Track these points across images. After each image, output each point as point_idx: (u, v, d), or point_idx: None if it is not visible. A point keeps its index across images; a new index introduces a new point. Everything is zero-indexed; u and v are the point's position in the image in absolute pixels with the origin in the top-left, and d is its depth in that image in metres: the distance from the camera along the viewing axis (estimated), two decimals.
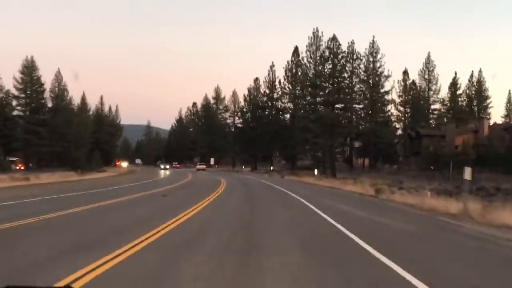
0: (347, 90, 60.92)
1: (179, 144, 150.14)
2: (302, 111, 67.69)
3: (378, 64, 71.44)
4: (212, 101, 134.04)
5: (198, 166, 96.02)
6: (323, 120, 58.18)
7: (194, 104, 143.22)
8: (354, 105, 63.45)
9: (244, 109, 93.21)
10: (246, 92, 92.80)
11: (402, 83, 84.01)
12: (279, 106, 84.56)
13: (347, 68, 64.57)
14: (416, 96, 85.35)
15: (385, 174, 59.89)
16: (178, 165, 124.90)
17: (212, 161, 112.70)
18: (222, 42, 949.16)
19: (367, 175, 57.95)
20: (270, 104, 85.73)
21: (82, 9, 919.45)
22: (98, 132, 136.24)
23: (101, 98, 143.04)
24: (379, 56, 71.35)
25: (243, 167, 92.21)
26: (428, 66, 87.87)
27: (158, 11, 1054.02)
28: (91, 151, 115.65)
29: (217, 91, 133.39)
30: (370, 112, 70.19)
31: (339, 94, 58.61)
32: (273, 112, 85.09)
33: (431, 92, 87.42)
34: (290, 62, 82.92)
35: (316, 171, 53.57)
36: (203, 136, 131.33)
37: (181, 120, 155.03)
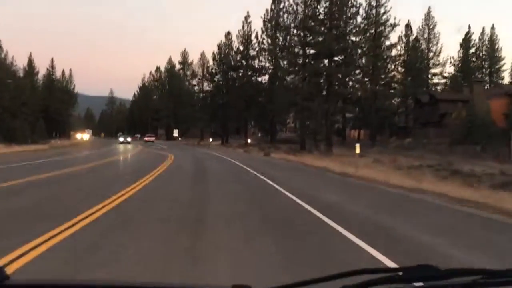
0: (348, 37, 45.38)
1: (142, 114, 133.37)
2: (287, 65, 51.95)
3: (382, 10, 56.27)
4: (178, 66, 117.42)
5: (146, 138, 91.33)
6: (317, 78, 43.20)
7: (158, 68, 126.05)
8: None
9: (213, 70, 76.93)
10: (216, 50, 76.52)
11: (404, 39, 69.37)
12: (256, 66, 68.73)
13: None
14: (419, 56, 70.92)
15: (397, 149, 45.56)
16: (152, 138, 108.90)
17: (175, 133, 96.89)
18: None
19: (374, 151, 43.57)
20: (244, 63, 69.87)
21: None
22: (48, 99, 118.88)
23: (52, 60, 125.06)
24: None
25: (210, 139, 76.61)
26: (428, 23, 73.38)
27: None
28: (37, 120, 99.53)
29: (184, 55, 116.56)
30: (371, 71, 55.11)
31: (339, 42, 43.33)
32: (248, 73, 69.30)
33: (431, 54, 73.16)
34: (269, 11, 67.14)
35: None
36: (167, 105, 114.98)
37: (145, 88, 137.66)
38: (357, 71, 47.49)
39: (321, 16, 44.33)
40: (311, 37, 44.94)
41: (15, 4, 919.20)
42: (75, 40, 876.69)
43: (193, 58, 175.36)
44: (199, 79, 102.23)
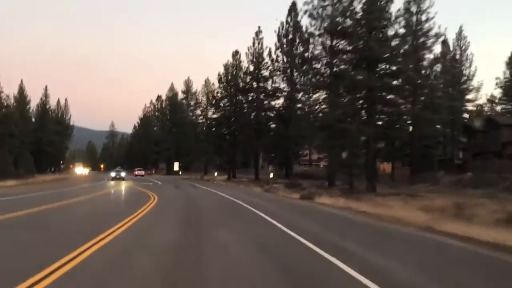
0: (389, 43, 35.09)
1: (142, 146, 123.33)
2: (309, 82, 41.58)
3: (424, 17, 46.24)
4: (181, 96, 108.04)
5: (136, 172, 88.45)
6: (354, 92, 33.01)
7: (159, 97, 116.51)
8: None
9: (219, 94, 66.85)
10: (222, 72, 66.68)
11: (441, 57, 59.32)
12: (269, 88, 58.62)
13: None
14: (455, 77, 60.94)
15: (453, 187, 34.95)
16: (142, 172, 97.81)
17: (176, 166, 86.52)
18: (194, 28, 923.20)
19: (424, 189, 33.16)
20: (255, 85, 59.85)
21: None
22: (40, 130, 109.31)
23: (46, 88, 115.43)
24: (426, 3, 46.17)
25: (215, 174, 65.95)
26: (460, 43, 63.65)
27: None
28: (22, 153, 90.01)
29: (187, 84, 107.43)
30: (413, 89, 44.63)
31: (382, 46, 33.12)
32: (260, 97, 59.17)
33: (464, 78, 63.07)
34: (284, 24, 57.56)
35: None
36: (168, 136, 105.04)
37: (145, 118, 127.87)
38: (406, 87, 36.96)
39: (358, 16, 34.23)
40: (344, 42, 34.76)
41: (9, 34, 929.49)
42: (75, 73, 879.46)
43: (197, 87, 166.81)
44: (203, 107, 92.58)
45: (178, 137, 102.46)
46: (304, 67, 44.09)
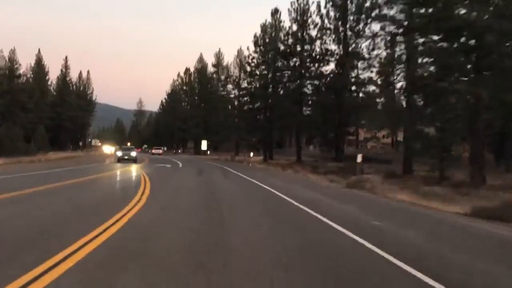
0: None
1: (169, 124, 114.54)
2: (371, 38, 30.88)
3: None
4: (212, 70, 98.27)
5: (153, 150, 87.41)
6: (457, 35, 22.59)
7: (187, 70, 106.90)
8: None
9: (256, 61, 56.46)
10: (259, 33, 56.27)
11: None
12: (319, 50, 48.12)
13: None
14: None
15: None
16: (159, 151, 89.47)
17: (204, 145, 77.26)
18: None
19: None
20: (300, 48, 49.52)
21: None
22: (59, 104, 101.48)
23: (66, 59, 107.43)
24: None
25: (250, 154, 55.97)
26: None
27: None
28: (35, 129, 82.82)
29: (218, 57, 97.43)
30: None
31: None
32: (306, 62, 48.82)
33: None
34: None
35: None
36: (196, 113, 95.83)
37: (173, 94, 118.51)
38: None
39: None
40: None
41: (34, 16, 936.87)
42: (105, 49, 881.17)
43: (229, 60, 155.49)
44: (235, 79, 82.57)
45: (207, 113, 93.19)
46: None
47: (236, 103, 77.23)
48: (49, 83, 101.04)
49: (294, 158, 53.26)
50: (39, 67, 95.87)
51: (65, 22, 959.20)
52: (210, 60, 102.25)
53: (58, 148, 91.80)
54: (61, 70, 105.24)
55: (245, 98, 59.82)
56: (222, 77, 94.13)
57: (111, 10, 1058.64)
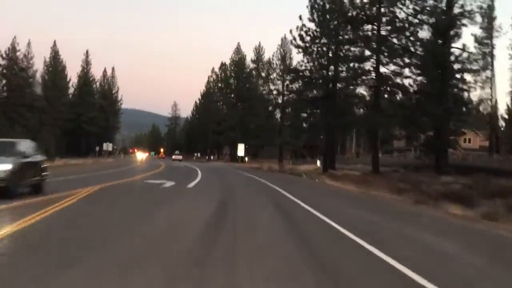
0: None
1: (202, 128, 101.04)
2: None
3: None
4: (251, 65, 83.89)
5: (174, 156, 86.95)
6: None
7: (223, 64, 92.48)
8: None
9: (312, 33, 40.84)
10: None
11: None
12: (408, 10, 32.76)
13: None
14: None
15: None
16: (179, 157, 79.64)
17: (240, 149, 63.12)
18: None
19: None
20: (374, 11, 34.49)
21: None
22: (78, 104, 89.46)
23: (87, 54, 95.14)
24: None
25: (306, 160, 40.98)
26: None
27: None
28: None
29: (258, 51, 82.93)
30: None
31: None
32: (387, 28, 33.79)
33: None
34: None
35: None
36: (233, 113, 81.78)
37: (207, 94, 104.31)
38: None
39: None
40: None
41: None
42: (139, 58, 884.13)
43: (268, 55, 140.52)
44: (278, 74, 68.13)
45: (245, 114, 78.89)
46: None
47: (279, 100, 62.84)
48: (67, 80, 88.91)
49: (356, 166, 38.90)
50: (55, 61, 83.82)
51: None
52: (249, 55, 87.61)
53: (76, 154, 79.69)
54: (82, 66, 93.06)
55: (296, 87, 44.50)
56: (263, 74, 79.25)
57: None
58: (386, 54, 33.72)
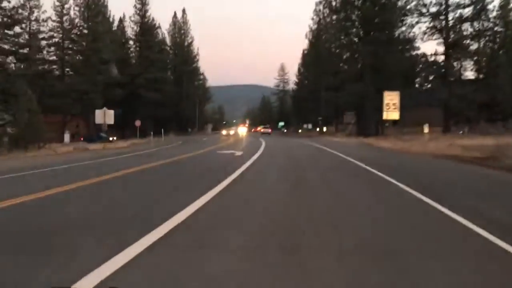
0: None
1: (310, 89, 68.55)
2: None
3: None
4: None
5: (262, 130, 78.36)
6: None
7: None
8: None
9: None
10: None
11: None
12: None
13: None
14: None
15: None
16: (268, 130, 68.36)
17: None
18: None
19: None
20: None
21: None
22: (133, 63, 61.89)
23: (174, 14, 66.60)
24: None
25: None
26: None
27: None
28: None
29: None
30: None
31: None
32: None
33: None
34: None
35: None
36: (357, 50, 47.84)
37: (316, 34, 70.49)
38: None
39: None
40: None
41: None
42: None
43: None
44: None
45: (379, 50, 44.78)
46: None
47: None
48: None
49: None
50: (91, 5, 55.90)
51: None
52: None
53: (130, 134, 52.88)
54: (134, 6, 64.98)
55: None
56: None
57: None
58: None
